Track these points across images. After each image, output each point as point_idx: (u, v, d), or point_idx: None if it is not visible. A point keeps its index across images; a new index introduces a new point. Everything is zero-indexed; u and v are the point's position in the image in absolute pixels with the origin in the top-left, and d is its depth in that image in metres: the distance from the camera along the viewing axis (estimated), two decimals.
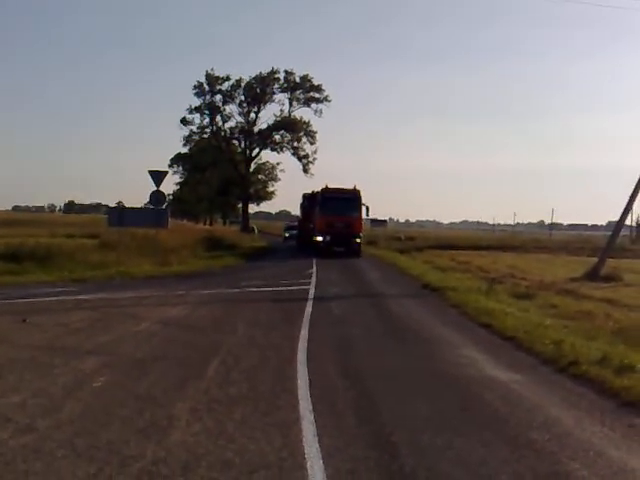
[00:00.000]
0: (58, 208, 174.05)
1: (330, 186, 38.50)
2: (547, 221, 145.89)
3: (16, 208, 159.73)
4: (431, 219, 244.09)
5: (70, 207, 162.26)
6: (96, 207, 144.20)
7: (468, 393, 7.81)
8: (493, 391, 7.90)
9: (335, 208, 36.80)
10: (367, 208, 37.91)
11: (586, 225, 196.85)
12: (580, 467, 5.35)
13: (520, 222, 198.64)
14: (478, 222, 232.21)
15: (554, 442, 5.99)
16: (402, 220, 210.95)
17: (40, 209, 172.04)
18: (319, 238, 37.15)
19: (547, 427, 6.46)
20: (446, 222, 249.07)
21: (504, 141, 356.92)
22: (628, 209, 27.12)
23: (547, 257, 41.08)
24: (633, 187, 26.01)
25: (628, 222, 30.44)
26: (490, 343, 11.31)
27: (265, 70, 66.33)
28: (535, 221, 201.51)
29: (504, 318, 13.14)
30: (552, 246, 56.18)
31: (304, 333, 11.31)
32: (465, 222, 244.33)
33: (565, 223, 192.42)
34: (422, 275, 24.24)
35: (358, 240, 37.29)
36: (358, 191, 37.88)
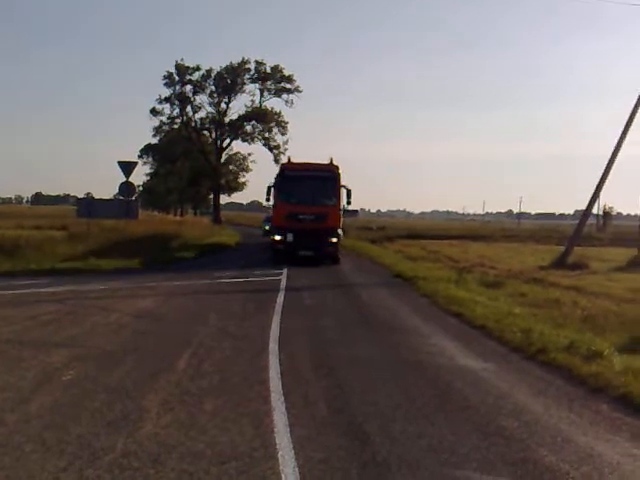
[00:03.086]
0: (25, 200, 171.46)
1: (295, 160, 27.07)
2: (515, 210, 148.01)
3: None
4: (402, 209, 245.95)
5: (38, 199, 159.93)
6: (64, 198, 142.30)
7: (439, 381, 7.88)
8: (463, 379, 7.98)
9: (301, 193, 25.22)
10: (348, 192, 25.66)
11: (553, 214, 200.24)
12: (548, 453, 5.45)
13: (489, 211, 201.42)
14: (448, 212, 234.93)
15: (523, 429, 6.08)
16: (373, 210, 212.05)
17: (7, 201, 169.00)
18: (277, 237, 25.14)
19: (516, 414, 6.55)
20: (417, 212, 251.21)
21: (473, 129, 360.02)
22: (595, 198, 27.58)
23: (516, 246, 41.59)
24: (600, 176, 26.45)
25: (595, 211, 30.78)
26: (460, 332, 11.42)
27: (236, 60, 65.85)
28: (504, 210, 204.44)
29: (474, 307, 13.28)
30: (520, 235, 57.00)
31: (276, 323, 11.32)
32: (435, 212, 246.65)
33: (533, 212, 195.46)
34: (393, 265, 24.38)
35: (334, 240, 25.02)
36: (335, 167, 25.68)
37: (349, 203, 25.75)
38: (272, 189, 25.77)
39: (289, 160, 27.88)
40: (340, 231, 26.03)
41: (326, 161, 26.20)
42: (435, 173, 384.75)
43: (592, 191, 27.17)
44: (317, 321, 11.94)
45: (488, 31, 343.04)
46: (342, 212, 25.92)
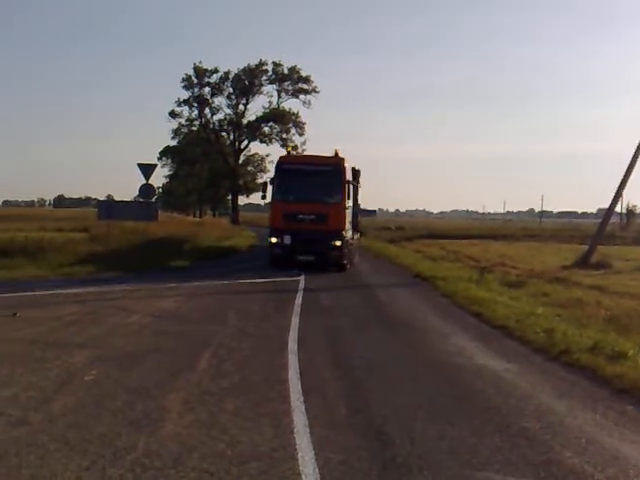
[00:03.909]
0: (48, 202, 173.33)
1: (294, 153, 24.47)
2: (537, 209, 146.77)
3: (6, 203, 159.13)
4: (421, 208, 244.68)
5: (60, 201, 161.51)
6: (86, 201, 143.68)
7: (459, 382, 7.83)
8: (485, 380, 7.92)
9: (300, 189, 22.32)
10: (355, 189, 23.66)
11: (576, 213, 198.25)
12: (572, 455, 5.38)
13: (510, 210, 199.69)
14: (468, 211, 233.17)
15: (546, 430, 6.01)
16: (392, 210, 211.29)
17: (30, 204, 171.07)
18: (273, 240, 22.09)
19: (539, 415, 6.49)
20: (436, 211, 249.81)
21: (493, 128, 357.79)
22: (618, 196, 27.28)
23: (537, 245, 41.25)
24: (623, 174, 26.14)
25: (618, 209, 30.43)
26: (481, 332, 11.35)
27: (253, 62, 66.05)
28: (525, 209, 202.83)
29: (495, 307, 13.19)
30: (542, 234, 56.46)
31: (294, 323, 11.34)
32: (455, 211, 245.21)
33: (555, 211, 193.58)
34: (412, 265, 24.27)
35: (338, 243, 21.67)
36: (341, 160, 22.53)
37: (356, 201, 22.76)
38: (269, 185, 23.07)
39: (288, 153, 25.34)
40: (349, 233, 22.69)
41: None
42: (455, 172, 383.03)
43: (615, 189, 26.88)
44: (336, 321, 11.92)
45: (504, 28, 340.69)
46: (350, 211, 22.85)
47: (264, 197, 23.70)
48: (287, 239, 21.66)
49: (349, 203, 22.45)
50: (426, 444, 5.52)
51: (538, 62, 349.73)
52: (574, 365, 8.60)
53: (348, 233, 22.44)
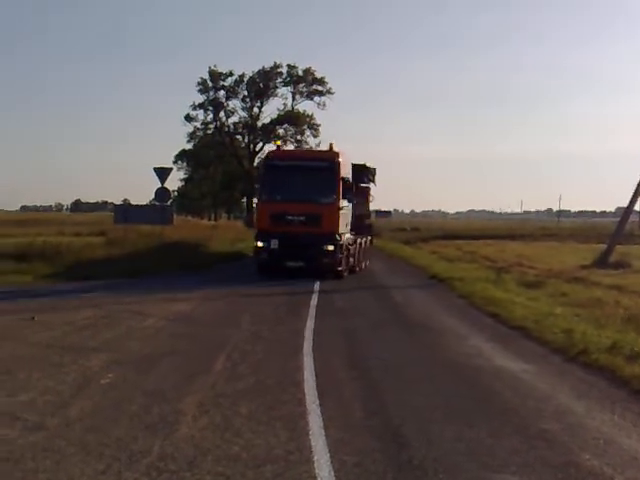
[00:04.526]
0: (65, 207, 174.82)
1: (285, 148, 21.73)
2: (555, 208, 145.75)
3: (24, 208, 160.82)
4: (437, 209, 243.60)
5: (77, 206, 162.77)
6: (102, 205, 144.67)
7: (477, 383, 7.78)
8: (502, 381, 7.86)
9: (289, 187, 20.03)
10: (349, 186, 20.31)
11: (594, 212, 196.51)
12: (591, 457, 5.31)
13: (527, 210, 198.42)
14: (485, 211, 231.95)
15: (565, 432, 5.95)
16: (407, 211, 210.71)
17: (47, 208, 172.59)
18: (259, 244, 19.86)
19: (558, 417, 6.42)
20: (452, 212, 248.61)
21: (510, 128, 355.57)
22: (637, 195, 26.94)
23: (555, 245, 40.93)
24: None
25: (637, 208, 30.01)
26: (498, 333, 11.27)
27: (268, 65, 66.21)
28: (543, 209, 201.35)
29: (512, 307, 13.09)
30: (560, 234, 56.03)
31: (309, 325, 11.33)
32: (472, 211, 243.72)
33: (573, 210, 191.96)
34: (428, 266, 24.18)
35: (330, 248, 19.19)
36: (335, 155, 20.27)
37: (350, 201, 20.26)
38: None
39: (278, 147, 23.12)
40: (346, 236, 20.26)
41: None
42: (471, 172, 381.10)
43: (634, 188, 26.57)
44: (351, 323, 11.89)
45: (520, 28, 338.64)
46: (349, 212, 20.71)
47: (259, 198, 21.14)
48: (274, 243, 19.43)
49: (344, 203, 19.94)
50: (443, 446, 5.48)
51: (553, 60, 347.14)
52: (592, 365, 8.50)
53: (345, 236, 20.13)
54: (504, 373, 8.30)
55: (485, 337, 10.82)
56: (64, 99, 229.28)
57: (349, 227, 20.90)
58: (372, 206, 28.66)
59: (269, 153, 22.26)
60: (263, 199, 20.68)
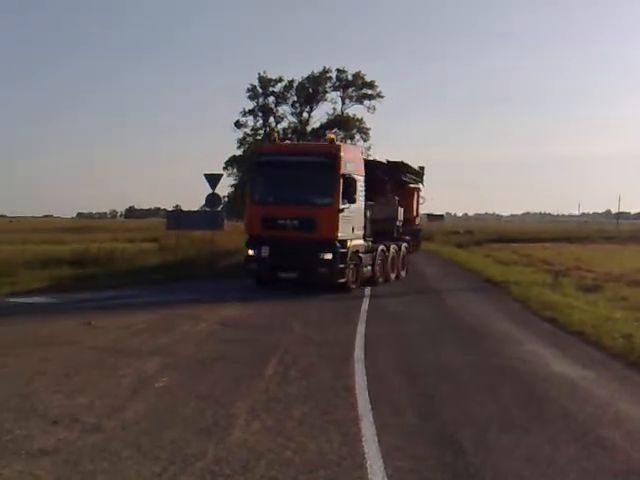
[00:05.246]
0: (119, 214, 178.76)
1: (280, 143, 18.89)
2: (614, 210, 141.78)
3: (80, 215, 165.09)
4: (491, 212, 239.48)
5: (131, 212, 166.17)
6: (155, 212, 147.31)
7: (534, 389, 7.61)
8: (560, 387, 7.67)
9: (281, 187, 17.68)
10: (351, 185, 16.87)
11: None
12: None
13: (585, 212, 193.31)
14: (541, 213, 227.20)
15: (625, 439, 5.77)
16: (460, 214, 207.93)
17: (102, 215, 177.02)
18: (249, 252, 17.42)
19: (617, 424, 6.23)
20: (506, 214, 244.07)
21: (565, 128, 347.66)
22: None
23: (615, 248, 39.72)
24: None
25: None
26: (556, 338, 11.02)
27: (317, 69, 66.48)
28: (601, 211, 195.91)
29: (570, 312, 12.78)
30: (619, 236, 54.51)
31: (361, 329, 11.27)
32: (527, 214, 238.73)
33: (633, 212, 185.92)
34: (482, 269, 23.83)
35: (328, 256, 16.41)
36: (335, 149, 17.39)
37: (352, 201, 16.79)
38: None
39: (274, 142, 19.51)
40: (353, 242, 17.22)
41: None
42: (527, 173, 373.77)
43: None
44: (403, 327, 11.78)
45: (568, 29, 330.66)
46: (358, 214, 17.54)
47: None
48: (265, 251, 16.92)
49: (345, 204, 16.63)
50: (500, 453, 5.37)
51: (601, 58, 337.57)
52: None
53: (351, 243, 17.10)
54: (561, 379, 8.10)
55: (541, 342, 10.59)
56: (118, 110, 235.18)
57: (362, 232, 17.83)
58: (423, 208, 26.62)
59: (261, 147, 18.98)
60: (253, 200, 17.83)
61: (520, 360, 9.15)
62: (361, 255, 17.70)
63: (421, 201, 25.69)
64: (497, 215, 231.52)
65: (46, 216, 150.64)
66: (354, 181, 16.98)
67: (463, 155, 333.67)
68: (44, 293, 15.78)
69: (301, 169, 17.01)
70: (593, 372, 8.47)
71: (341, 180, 16.59)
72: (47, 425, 5.91)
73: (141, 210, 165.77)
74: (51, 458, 5.11)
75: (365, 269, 18.05)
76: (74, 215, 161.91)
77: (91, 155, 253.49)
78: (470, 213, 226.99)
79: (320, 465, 5.01)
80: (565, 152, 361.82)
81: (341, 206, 16.57)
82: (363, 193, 17.75)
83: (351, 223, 17.14)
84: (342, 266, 16.67)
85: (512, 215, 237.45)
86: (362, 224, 17.86)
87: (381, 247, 19.19)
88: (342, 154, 16.99)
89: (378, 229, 19.18)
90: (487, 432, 5.89)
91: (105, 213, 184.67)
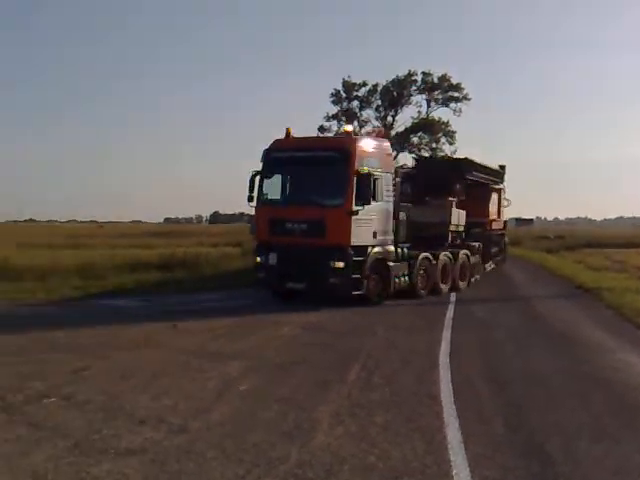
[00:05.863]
0: (204, 219, 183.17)
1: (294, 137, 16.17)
2: None
3: (167, 220, 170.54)
4: (583, 216, 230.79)
5: (215, 217, 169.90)
6: (239, 217, 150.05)
7: (626, 399, 7.28)
8: None
9: (291, 186, 15.82)
10: (366, 183, 14.63)
11: None
12: None
13: None
14: (635, 217, 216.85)
15: None
16: (550, 218, 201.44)
17: (189, 220, 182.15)
18: (257, 259, 15.68)
19: None
20: (599, 219, 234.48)
21: None
22: None
23: None
24: None
25: None
26: None
27: (402, 73, 66.13)
28: None
29: None
30: None
31: (446, 336, 11.07)
32: (620, 218, 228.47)
33: None
34: (573, 275, 22.96)
35: (340, 265, 14.36)
36: (349, 142, 15.30)
37: (365, 202, 14.53)
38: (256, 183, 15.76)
39: (287, 135, 16.13)
40: (374, 249, 15.03)
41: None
42: (619, 176, 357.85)
43: None
44: (490, 334, 11.49)
45: None
46: (381, 215, 15.35)
47: (251, 199, 15.80)
48: (272, 258, 15.24)
49: (360, 205, 14.47)
50: (590, 463, 5.16)
51: None
52: None
53: (373, 250, 15.04)
54: None
55: (635, 351, 10.12)
56: (201, 115, 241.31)
57: (390, 237, 15.73)
58: (509, 212, 24.55)
59: (270, 147, 16.05)
60: (260, 202, 15.76)
61: (612, 369, 8.76)
62: (390, 264, 15.65)
63: (505, 203, 23.87)
64: (589, 219, 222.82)
65: (134, 221, 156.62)
66: (373, 179, 14.89)
67: (557, 157, 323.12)
68: (132, 296, 16.32)
69: (310, 165, 15.16)
70: None
71: (355, 178, 14.45)
72: (134, 425, 6.08)
73: (225, 215, 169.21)
74: (139, 457, 5.25)
75: (399, 280, 15.99)
76: (161, 220, 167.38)
77: (179, 162, 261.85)
78: (561, 217, 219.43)
79: (404, 472, 4.94)
80: None
81: (354, 207, 14.44)
82: (391, 192, 15.80)
83: (372, 227, 15.04)
84: (357, 276, 14.63)
85: (605, 219, 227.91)
86: (389, 228, 15.77)
87: (424, 255, 16.94)
88: (357, 148, 14.91)
89: (424, 234, 17.46)
90: (577, 442, 5.67)
91: (191, 218, 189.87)
